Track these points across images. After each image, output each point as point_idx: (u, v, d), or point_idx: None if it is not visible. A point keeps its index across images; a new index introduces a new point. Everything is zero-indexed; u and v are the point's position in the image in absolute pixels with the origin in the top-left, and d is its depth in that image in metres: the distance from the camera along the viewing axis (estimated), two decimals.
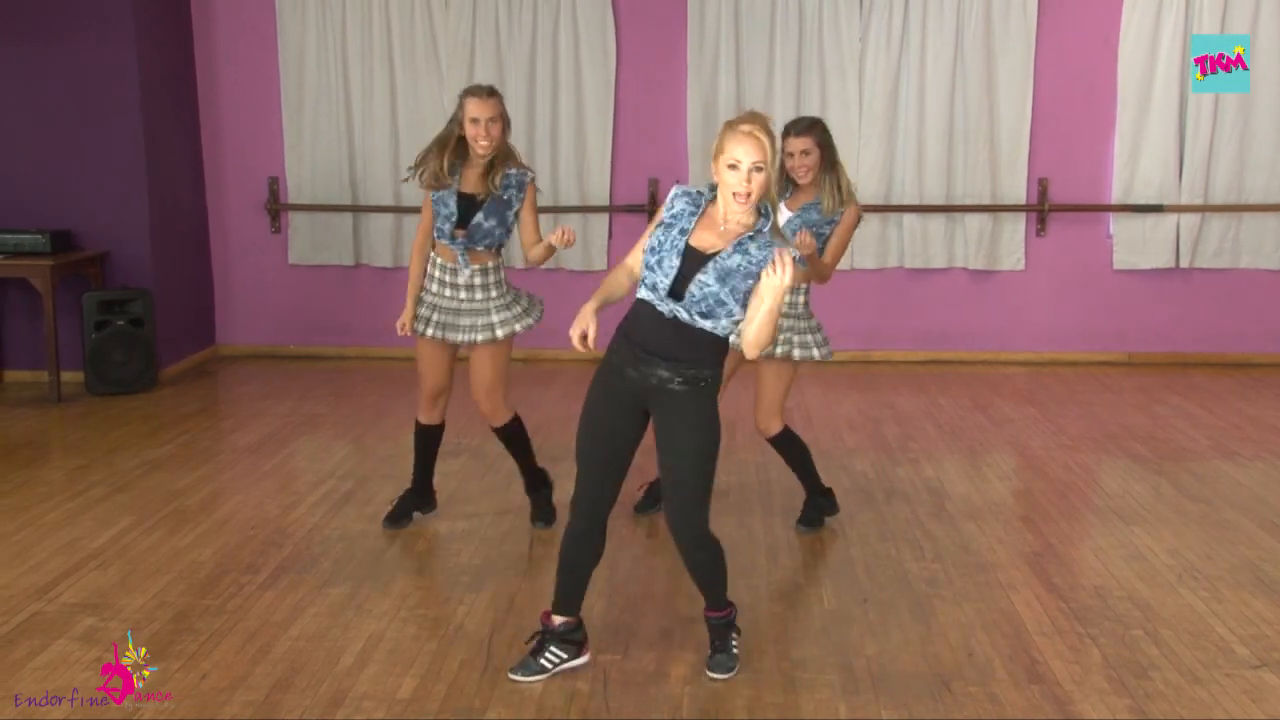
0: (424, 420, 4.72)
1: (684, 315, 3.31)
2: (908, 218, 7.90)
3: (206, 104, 8.01)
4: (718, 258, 3.30)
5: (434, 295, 4.52)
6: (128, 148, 7.20)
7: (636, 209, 7.92)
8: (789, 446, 4.72)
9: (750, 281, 3.30)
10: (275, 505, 5.07)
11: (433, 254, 4.53)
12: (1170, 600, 4.05)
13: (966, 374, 7.73)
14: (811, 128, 4.50)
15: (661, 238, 3.37)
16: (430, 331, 4.50)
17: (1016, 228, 7.92)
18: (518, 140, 7.81)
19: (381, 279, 8.08)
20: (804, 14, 7.70)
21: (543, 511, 4.83)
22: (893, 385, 7.41)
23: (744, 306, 3.32)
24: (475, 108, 4.35)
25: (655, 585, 4.26)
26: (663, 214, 3.42)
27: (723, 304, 3.30)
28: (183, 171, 7.85)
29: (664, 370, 3.33)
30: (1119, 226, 7.89)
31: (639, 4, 7.81)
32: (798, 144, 4.46)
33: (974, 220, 7.88)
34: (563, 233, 4.10)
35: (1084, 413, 6.70)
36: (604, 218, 7.94)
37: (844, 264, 7.91)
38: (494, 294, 4.50)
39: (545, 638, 3.54)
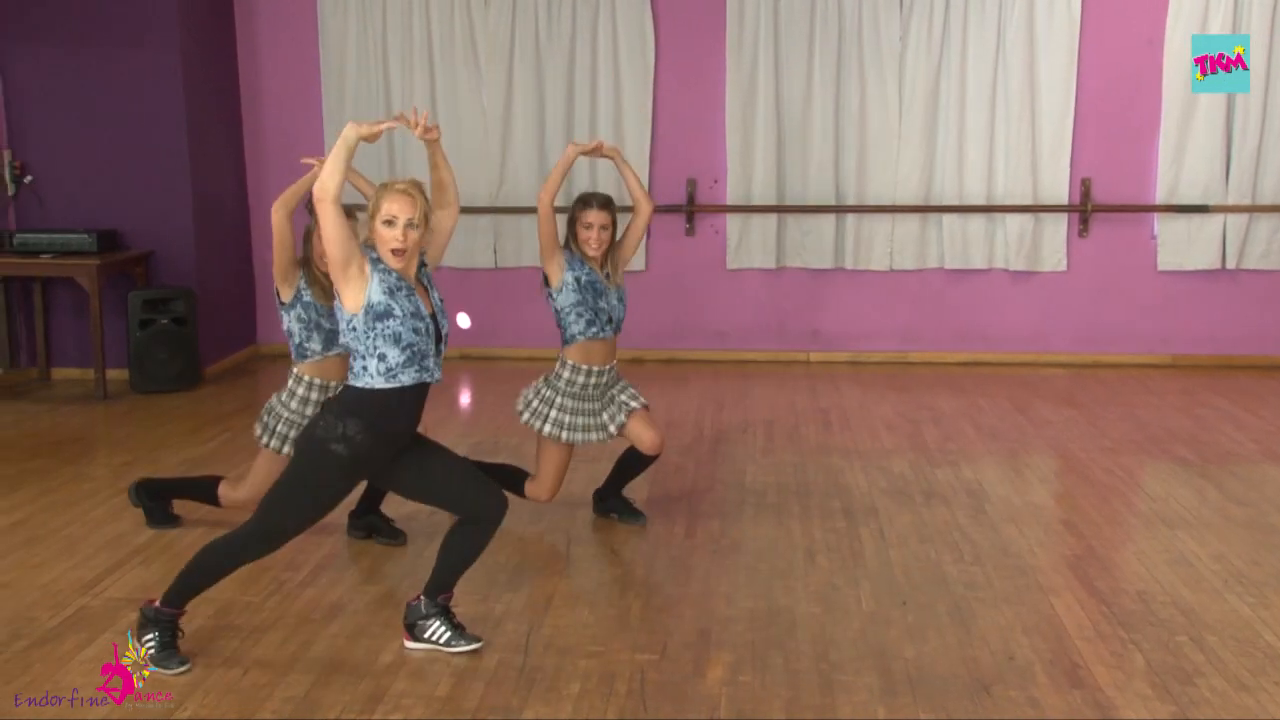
0: None
1: None
2: (947, 218, 7.85)
3: (249, 105, 8.09)
4: None
5: None
6: (172, 149, 7.29)
7: (675, 209, 7.91)
8: None
9: None
10: None
11: None
12: (1216, 606, 4.00)
13: (1006, 375, 7.66)
14: (610, 203, 4.49)
15: None
16: None
17: (1058, 228, 7.84)
18: (555, 135, 7.88)
19: None
20: (844, 12, 7.66)
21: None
22: (931, 386, 7.36)
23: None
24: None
25: (692, 586, 4.25)
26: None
27: None
28: (225, 172, 7.94)
29: None
30: (1163, 227, 7.79)
31: (678, 2, 7.81)
32: (599, 217, 4.44)
33: (1015, 221, 7.81)
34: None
35: (1126, 415, 6.62)
36: None
37: (882, 264, 7.90)
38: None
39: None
